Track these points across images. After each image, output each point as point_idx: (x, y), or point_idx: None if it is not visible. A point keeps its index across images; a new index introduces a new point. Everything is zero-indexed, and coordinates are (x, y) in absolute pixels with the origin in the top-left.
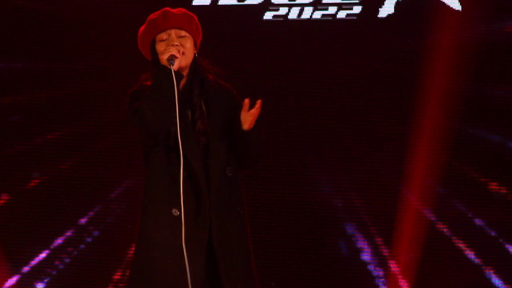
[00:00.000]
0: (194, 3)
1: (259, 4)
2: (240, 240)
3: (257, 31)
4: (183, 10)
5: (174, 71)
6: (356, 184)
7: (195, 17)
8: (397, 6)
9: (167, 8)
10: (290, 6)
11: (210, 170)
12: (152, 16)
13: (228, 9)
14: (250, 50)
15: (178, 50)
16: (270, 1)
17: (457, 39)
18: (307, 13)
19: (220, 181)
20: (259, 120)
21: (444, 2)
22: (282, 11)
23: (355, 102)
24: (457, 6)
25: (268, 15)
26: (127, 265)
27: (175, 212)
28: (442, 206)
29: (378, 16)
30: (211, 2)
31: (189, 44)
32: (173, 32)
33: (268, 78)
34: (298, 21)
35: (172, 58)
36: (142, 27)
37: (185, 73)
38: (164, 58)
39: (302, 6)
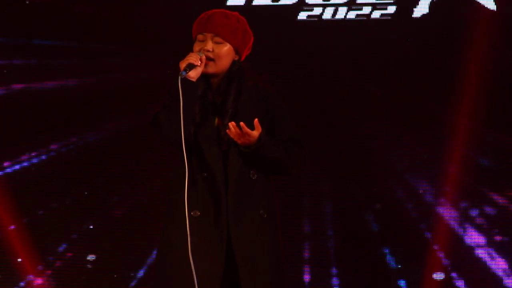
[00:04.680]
0: (228, 3)
1: (293, 4)
2: (264, 244)
3: (291, 31)
4: (234, 16)
5: (189, 81)
6: (391, 186)
7: (243, 26)
8: (431, 6)
9: (219, 11)
10: (324, 6)
11: (228, 173)
12: (203, 14)
13: (262, 9)
14: (284, 50)
15: (200, 57)
16: (304, 1)
17: (492, 38)
18: (341, 13)
19: (239, 183)
20: (262, 142)
21: (479, 2)
22: (316, 11)
23: (390, 103)
24: (492, 5)
25: (302, 15)
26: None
27: (194, 213)
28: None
29: (413, 16)
30: (245, 2)
31: (224, 51)
32: (209, 37)
33: (303, 78)
34: (332, 21)
35: (187, 68)
36: (195, 22)
37: (218, 78)
38: (181, 66)
39: (337, 6)
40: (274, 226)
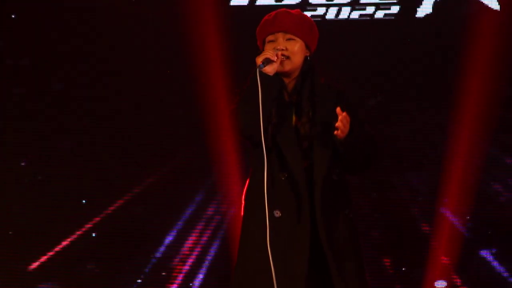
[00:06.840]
0: (232, 3)
1: (297, 4)
2: (350, 244)
3: None
4: (297, 12)
5: (267, 75)
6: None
7: (309, 20)
8: (435, 6)
9: (281, 10)
10: (327, 6)
11: (314, 173)
12: (266, 16)
13: (266, 9)
14: None
15: (276, 53)
16: (308, 1)
17: (495, 38)
18: (344, 13)
19: (325, 184)
20: (355, 130)
21: (482, 2)
22: (320, 11)
23: (393, 104)
24: (495, 5)
25: None
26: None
27: (276, 213)
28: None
29: (416, 16)
30: (248, 2)
31: (296, 47)
32: (280, 36)
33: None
34: (336, 21)
35: (264, 62)
36: (259, 26)
37: (294, 75)
38: (258, 61)
39: (340, 6)
40: (356, 227)
